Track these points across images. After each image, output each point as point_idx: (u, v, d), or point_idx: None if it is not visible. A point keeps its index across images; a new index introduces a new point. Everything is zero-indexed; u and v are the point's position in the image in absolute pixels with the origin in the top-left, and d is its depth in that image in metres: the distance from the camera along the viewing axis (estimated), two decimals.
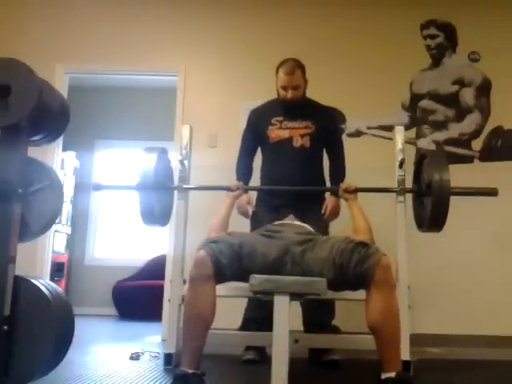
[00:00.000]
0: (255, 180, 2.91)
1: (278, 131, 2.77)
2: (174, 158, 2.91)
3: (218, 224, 2.29)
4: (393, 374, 1.74)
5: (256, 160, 2.94)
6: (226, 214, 2.36)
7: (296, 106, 2.75)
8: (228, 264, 1.87)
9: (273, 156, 2.80)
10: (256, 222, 2.63)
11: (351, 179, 2.85)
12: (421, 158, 2.43)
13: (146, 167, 2.37)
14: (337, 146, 2.92)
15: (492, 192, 2.36)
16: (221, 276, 1.88)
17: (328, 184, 2.89)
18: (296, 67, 2.69)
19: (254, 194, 2.86)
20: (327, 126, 2.86)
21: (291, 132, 2.76)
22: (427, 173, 2.29)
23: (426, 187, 2.31)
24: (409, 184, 2.56)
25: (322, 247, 1.96)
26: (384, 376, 1.75)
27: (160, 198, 2.46)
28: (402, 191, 2.52)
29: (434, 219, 2.23)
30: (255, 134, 2.87)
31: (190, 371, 1.78)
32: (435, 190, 2.16)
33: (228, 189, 2.51)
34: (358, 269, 1.82)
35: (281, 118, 2.78)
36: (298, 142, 2.75)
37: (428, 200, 2.26)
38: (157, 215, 2.44)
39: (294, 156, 2.73)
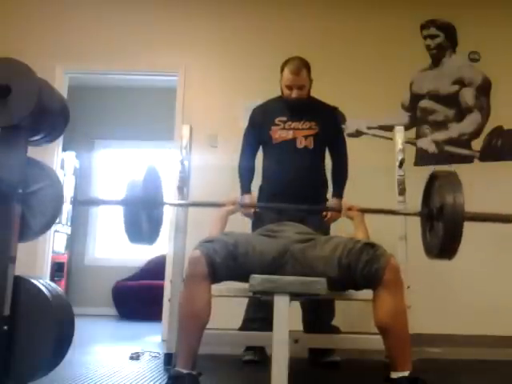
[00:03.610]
0: (256, 182, 2.90)
1: (281, 132, 2.74)
2: (174, 157, 2.90)
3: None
4: (406, 374, 1.73)
5: (257, 158, 2.93)
6: (222, 228, 2.26)
7: (300, 106, 2.72)
8: (222, 263, 1.87)
9: (275, 157, 2.78)
10: (258, 222, 2.62)
11: (351, 179, 2.86)
12: (431, 179, 2.19)
13: (134, 180, 2.10)
14: (340, 147, 2.89)
15: (508, 219, 2.19)
16: (216, 275, 1.87)
17: (330, 185, 2.88)
18: (302, 66, 2.66)
19: (256, 194, 2.85)
20: (331, 127, 2.84)
21: (295, 133, 2.73)
22: (439, 195, 2.07)
23: (437, 210, 2.07)
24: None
25: (324, 246, 1.96)
26: (396, 375, 1.74)
27: (148, 214, 2.18)
28: (402, 191, 2.51)
29: (445, 246, 2.01)
30: (258, 133, 2.84)
31: (185, 371, 1.76)
32: (448, 214, 1.94)
33: (223, 205, 2.36)
34: (366, 269, 1.82)
35: (284, 118, 2.75)
36: (301, 143, 2.72)
37: (439, 225, 2.05)
38: (145, 232, 2.16)
39: (297, 157, 2.70)
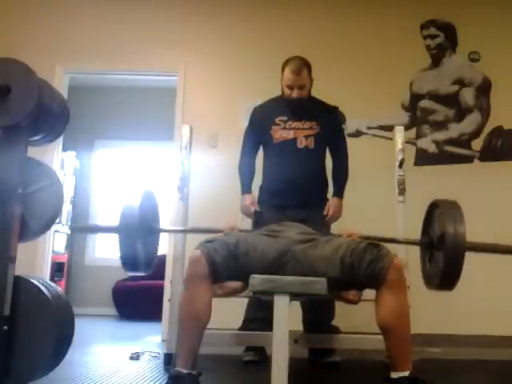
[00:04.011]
0: (257, 182, 2.89)
1: (281, 132, 2.73)
2: (174, 157, 2.90)
3: None
4: (406, 374, 1.73)
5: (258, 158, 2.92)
6: None
7: (301, 106, 2.71)
8: (223, 263, 1.86)
9: (276, 157, 2.77)
10: (259, 222, 2.61)
11: (351, 179, 2.85)
12: (431, 208, 2.10)
13: (130, 206, 1.99)
14: (341, 147, 2.88)
15: (509, 250, 2.12)
16: (216, 275, 1.87)
17: (330, 184, 2.87)
18: (303, 66, 2.66)
19: (256, 194, 2.84)
20: (332, 127, 2.83)
21: (295, 133, 2.72)
22: (439, 224, 2.01)
23: (437, 240, 2.00)
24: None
25: (325, 246, 1.96)
26: (396, 375, 1.74)
27: (145, 243, 2.07)
28: (402, 191, 2.51)
29: (446, 277, 1.94)
30: (258, 132, 2.84)
31: (185, 371, 1.76)
32: (449, 244, 1.88)
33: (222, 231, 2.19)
34: (370, 269, 1.82)
35: (285, 118, 2.74)
36: (302, 143, 2.72)
37: (439, 255, 1.98)
38: (141, 262, 2.05)
39: (298, 157, 2.70)
